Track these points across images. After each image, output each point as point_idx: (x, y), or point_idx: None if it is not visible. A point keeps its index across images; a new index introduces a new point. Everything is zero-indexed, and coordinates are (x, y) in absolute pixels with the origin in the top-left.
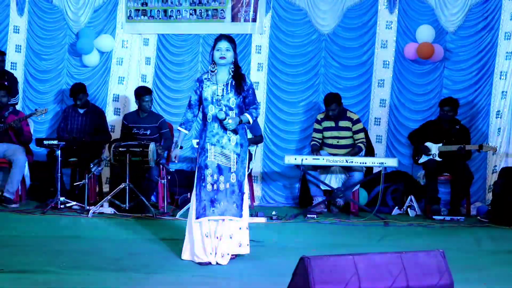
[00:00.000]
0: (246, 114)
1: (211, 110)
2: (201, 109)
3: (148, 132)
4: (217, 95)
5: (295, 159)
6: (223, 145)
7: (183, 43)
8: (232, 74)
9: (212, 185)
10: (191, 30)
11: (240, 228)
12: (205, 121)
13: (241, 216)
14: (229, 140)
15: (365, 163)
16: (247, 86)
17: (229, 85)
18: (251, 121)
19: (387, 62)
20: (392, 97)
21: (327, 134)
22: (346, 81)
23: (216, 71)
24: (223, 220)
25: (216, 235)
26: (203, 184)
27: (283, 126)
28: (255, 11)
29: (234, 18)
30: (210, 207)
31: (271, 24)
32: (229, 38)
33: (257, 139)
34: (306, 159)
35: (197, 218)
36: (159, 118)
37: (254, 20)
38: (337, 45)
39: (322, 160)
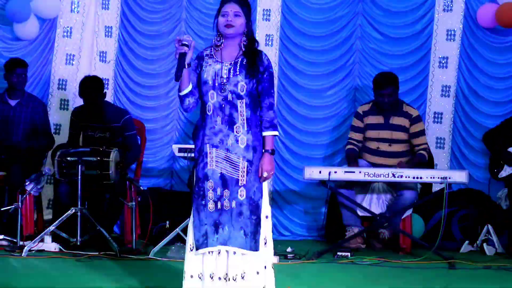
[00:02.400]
0: (271, 133)
1: (212, 98)
2: (197, 95)
3: (108, 134)
4: (221, 77)
5: (320, 172)
6: (228, 147)
7: (159, 5)
8: (243, 49)
9: (215, 202)
10: None
11: (265, 267)
12: (204, 114)
13: (254, 248)
14: (237, 140)
15: (420, 177)
16: (263, 66)
17: (238, 64)
18: (277, 134)
19: (452, 32)
20: (460, 83)
21: (372, 134)
22: (392, 60)
23: (222, 45)
24: (228, 252)
25: (220, 275)
26: (203, 202)
27: (302, 125)
28: None
29: None
30: (213, 233)
31: None
32: None
33: None
34: (335, 172)
35: (197, 249)
36: (123, 114)
37: None
38: (380, 8)
39: (359, 173)
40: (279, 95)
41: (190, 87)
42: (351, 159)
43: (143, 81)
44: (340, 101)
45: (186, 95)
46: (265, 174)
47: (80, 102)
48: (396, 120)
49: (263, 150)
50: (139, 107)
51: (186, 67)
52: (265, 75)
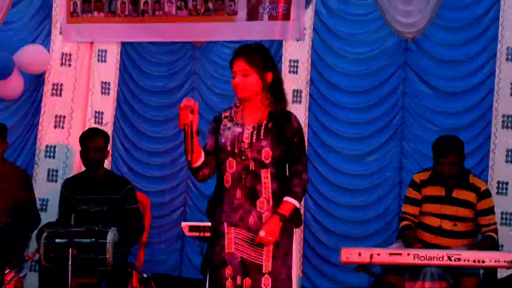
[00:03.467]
0: (291, 200)
1: (231, 167)
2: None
3: (106, 207)
4: (242, 142)
5: (360, 254)
6: (250, 226)
7: (166, 57)
8: (268, 109)
9: None
10: (178, 35)
11: None
12: (221, 186)
13: None
14: (261, 218)
15: (483, 261)
16: (292, 130)
17: (262, 127)
18: (298, 206)
19: None
20: None
21: (433, 209)
22: (445, 119)
23: (242, 105)
24: None
25: None
26: None
27: (337, 197)
28: (287, 2)
29: (252, 14)
30: None
31: (315, 23)
32: (248, 50)
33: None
34: (378, 254)
35: None
36: (124, 183)
37: (286, 17)
38: (429, 57)
39: (407, 256)
40: (309, 161)
41: (203, 158)
42: (411, 238)
43: (147, 146)
44: (383, 168)
45: (200, 167)
46: (262, 234)
47: (72, 172)
48: (461, 194)
49: (275, 212)
50: (142, 177)
51: (195, 136)
52: (295, 140)
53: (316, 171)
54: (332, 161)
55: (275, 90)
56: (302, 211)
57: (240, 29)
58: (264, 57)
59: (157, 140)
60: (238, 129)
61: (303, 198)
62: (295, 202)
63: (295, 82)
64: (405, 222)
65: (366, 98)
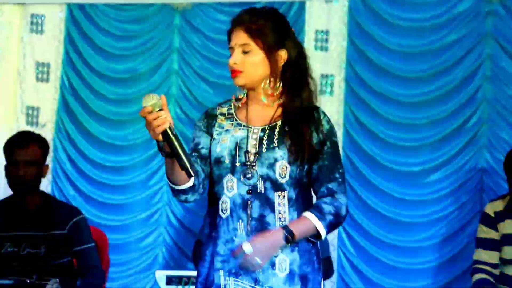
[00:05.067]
0: (311, 217)
1: (231, 189)
2: (206, 184)
3: (43, 250)
4: (247, 153)
5: None
6: (258, 276)
7: (132, 27)
8: (282, 103)
9: None
10: None
11: None
12: (215, 216)
13: None
14: (273, 265)
15: None
16: (321, 133)
17: (276, 129)
18: (323, 235)
19: None
20: None
21: None
22: None
23: (246, 98)
24: None
25: None
26: None
27: (387, 234)
28: None
29: None
30: None
31: None
32: (252, 15)
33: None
34: None
35: None
36: (71, 214)
37: None
38: None
39: None
40: (347, 182)
41: (191, 180)
42: None
43: (104, 158)
44: (453, 192)
45: (184, 191)
46: (246, 248)
47: None
48: None
49: (281, 225)
50: (97, 204)
51: (175, 142)
52: (325, 148)
53: (353, 192)
54: (377, 179)
55: (293, 75)
56: (334, 254)
57: None
58: (276, 26)
59: (119, 149)
60: (241, 133)
61: (335, 229)
62: (317, 222)
63: (323, 64)
64: (478, 275)
65: (428, 87)
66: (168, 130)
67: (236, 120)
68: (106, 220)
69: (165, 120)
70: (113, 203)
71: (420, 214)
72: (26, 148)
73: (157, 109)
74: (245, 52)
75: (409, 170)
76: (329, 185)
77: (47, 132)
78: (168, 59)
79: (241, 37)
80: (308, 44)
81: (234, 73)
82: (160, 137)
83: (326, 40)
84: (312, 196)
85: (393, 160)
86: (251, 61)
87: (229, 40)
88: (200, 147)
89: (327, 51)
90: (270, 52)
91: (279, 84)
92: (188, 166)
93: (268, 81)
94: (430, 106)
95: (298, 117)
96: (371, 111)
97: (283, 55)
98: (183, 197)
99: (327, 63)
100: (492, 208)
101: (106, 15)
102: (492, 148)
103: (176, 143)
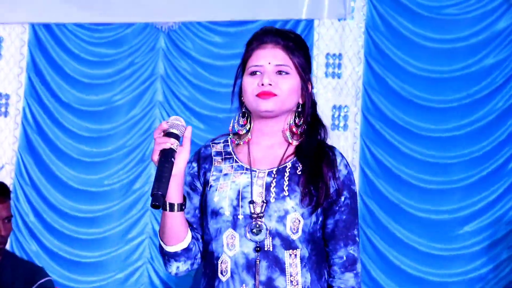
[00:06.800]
0: None
1: (232, 246)
2: (201, 241)
3: None
4: (252, 203)
5: None
6: None
7: (108, 50)
8: (296, 142)
9: None
10: (133, 13)
11: None
12: (213, 280)
13: None
14: None
15: None
16: (339, 179)
17: (286, 174)
18: None
19: None
20: None
21: None
22: None
23: (250, 134)
24: None
25: None
26: None
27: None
28: None
29: None
30: None
31: None
32: (289, 36)
33: None
34: None
35: None
36: (35, 275)
37: None
38: None
39: None
40: (364, 234)
41: (187, 241)
42: None
43: (75, 207)
44: (492, 246)
45: (176, 256)
46: None
47: None
48: None
49: None
50: (65, 263)
51: (166, 165)
52: (342, 200)
53: (372, 247)
54: (400, 230)
55: (308, 110)
56: None
57: (246, 8)
58: (307, 54)
59: (93, 196)
60: (243, 178)
61: None
62: None
63: (336, 93)
64: None
65: (460, 120)
66: (163, 156)
67: (236, 162)
68: (76, 282)
69: (165, 143)
70: (85, 261)
71: (450, 273)
72: (3, 202)
73: (170, 130)
74: (281, 73)
75: (438, 218)
76: (350, 250)
77: (6, 176)
78: (150, 89)
79: (278, 56)
80: (318, 70)
81: (266, 95)
82: (156, 158)
83: (339, 65)
84: (325, 252)
85: (419, 207)
86: (288, 85)
87: (251, 53)
88: (189, 213)
89: (340, 78)
90: (304, 79)
91: (305, 119)
92: (160, 192)
93: (295, 115)
94: (463, 142)
95: (312, 159)
96: (392, 149)
97: (309, 86)
98: (174, 265)
99: (340, 92)
100: None
101: (77, 36)
102: None
103: (160, 173)
